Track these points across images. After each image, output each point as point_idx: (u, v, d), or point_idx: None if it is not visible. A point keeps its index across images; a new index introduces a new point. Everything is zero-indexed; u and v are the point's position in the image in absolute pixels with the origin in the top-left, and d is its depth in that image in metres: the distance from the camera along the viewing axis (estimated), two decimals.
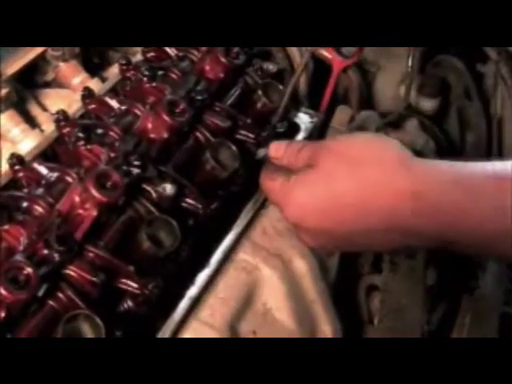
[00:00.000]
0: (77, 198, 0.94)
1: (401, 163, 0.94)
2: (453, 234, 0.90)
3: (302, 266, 1.14)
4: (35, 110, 1.32)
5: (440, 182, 0.90)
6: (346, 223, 0.98)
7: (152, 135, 1.05)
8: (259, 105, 1.19)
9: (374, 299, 1.38)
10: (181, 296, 1.01)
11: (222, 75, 1.17)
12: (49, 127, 1.26)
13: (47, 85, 1.42)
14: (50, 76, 1.40)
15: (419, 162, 0.95)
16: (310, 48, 1.30)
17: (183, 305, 1.00)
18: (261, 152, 1.14)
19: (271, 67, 1.28)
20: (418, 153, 1.33)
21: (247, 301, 1.09)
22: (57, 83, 1.40)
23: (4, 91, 1.20)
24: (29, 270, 0.83)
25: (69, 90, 1.36)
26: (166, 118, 1.04)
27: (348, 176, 0.96)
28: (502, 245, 0.88)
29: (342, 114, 1.39)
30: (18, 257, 0.86)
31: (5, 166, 1.11)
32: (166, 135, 1.05)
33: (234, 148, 1.08)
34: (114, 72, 1.41)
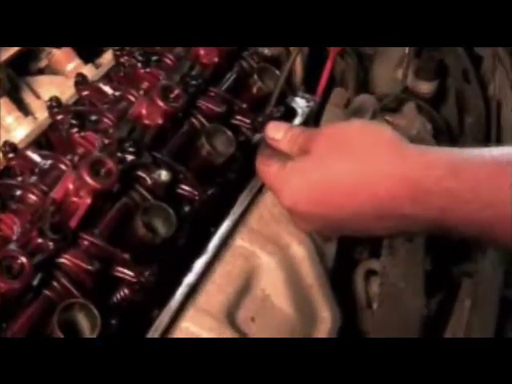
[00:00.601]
0: (71, 186, 0.92)
1: (395, 149, 0.94)
2: (449, 221, 0.90)
3: (299, 251, 1.14)
4: (28, 98, 1.31)
5: (436, 168, 0.90)
6: (341, 209, 0.97)
7: (146, 121, 1.04)
8: (255, 89, 1.18)
9: (372, 284, 1.38)
10: (178, 283, 1.00)
11: (216, 60, 1.15)
12: (42, 115, 1.25)
13: (40, 71, 1.40)
14: (43, 63, 1.38)
15: (414, 149, 0.94)
16: None
17: (180, 292, 0.99)
18: (257, 136, 1.14)
19: (266, 51, 1.26)
20: (415, 138, 1.33)
21: (245, 287, 1.08)
22: (50, 70, 1.38)
23: None
24: (23, 259, 0.82)
25: (62, 76, 1.35)
26: (160, 103, 1.03)
27: (342, 162, 0.96)
28: (499, 231, 0.87)
29: (338, 96, 1.38)
30: (12, 246, 0.85)
31: None
32: (160, 121, 1.04)
33: (229, 133, 1.07)
34: (107, 58, 1.40)
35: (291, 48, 1.35)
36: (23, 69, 1.37)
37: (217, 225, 1.09)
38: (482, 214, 0.86)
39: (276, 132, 1.07)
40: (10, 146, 1.03)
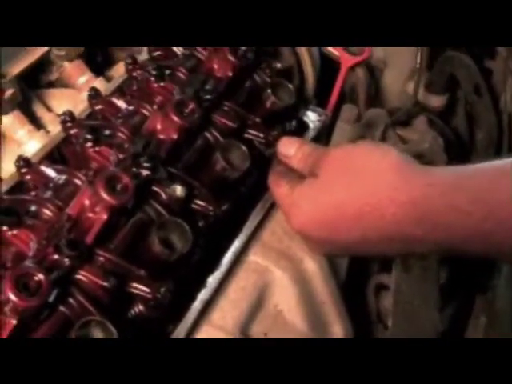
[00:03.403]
0: (87, 202, 0.92)
1: (400, 172, 0.94)
2: (455, 238, 0.90)
3: (312, 266, 1.13)
4: (40, 111, 1.30)
5: (439, 185, 0.91)
6: (348, 233, 0.99)
7: (161, 136, 1.03)
8: (268, 104, 1.17)
9: (383, 299, 1.37)
10: (192, 299, 1.00)
11: (230, 74, 1.15)
12: (54, 128, 1.25)
13: (51, 85, 1.40)
14: (53, 76, 1.38)
15: (419, 169, 0.95)
16: None
17: (194, 308, 0.99)
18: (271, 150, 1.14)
19: (279, 65, 1.26)
20: (427, 152, 1.33)
21: (258, 303, 1.08)
22: (61, 83, 1.38)
23: (9, 92, 1.18)
24: (40, 276, 0.81)
25: (73, 89, 1.35)
26: (175, 118, 1.02)
27: (348, 187, 0.98)
28: (502, 239, 0.87)
29: (348, 111, 1.38)
30: (29, 262, 0.84)
31: (10, 168, 1.10)
32: (175, 136, 1.03)
33: (244, 148, 1.06)
34: (118, 71, 1.40)
35: (303, 61, 1.35)
36: (34, 82, 1.37)
37: (230, 239, 1.08)
38: (485, 225, 0.86)
39: (288, 148, 1.10)
40: (24, 161, 1.03)
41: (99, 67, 1.47)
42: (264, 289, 1.09)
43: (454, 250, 0.93)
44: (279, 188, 1.08)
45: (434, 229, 0.90)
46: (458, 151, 1.52)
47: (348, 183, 0.98)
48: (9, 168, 1.17)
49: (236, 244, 1.08)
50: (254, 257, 1.10)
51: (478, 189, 0.87)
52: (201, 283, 1.02)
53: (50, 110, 1.32)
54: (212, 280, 1.03)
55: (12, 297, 0.78)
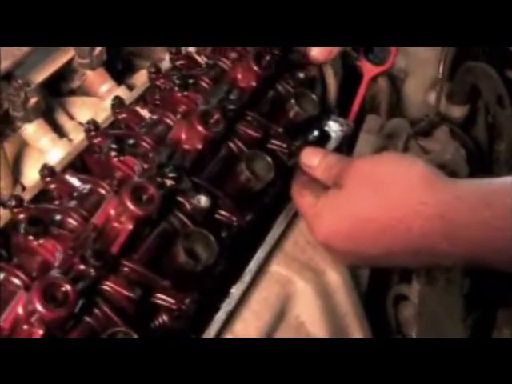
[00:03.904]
0: (112, 212, 0.92)
1: (427, 184, 0.93)
2: (484, 253, 0.89)
3: (335, 278, 1.13)
4: (62, 119, 1.31)
5: (468, 200, 0.89)
6: (373, 246, 0.98)
7: (186, 146, 1.03)
8: (292, 114, 1.16)
9: (402, 309, 1.36)
10: (215, 309, 1.00)
11: (254, 84, 1.14)
12: (77, 136, 1.25)
13: (72, 92, 1.40)
14: (75, 84, 1.38)
15: (446, 182, 0.94)
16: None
17: (218, 318, 0.99)
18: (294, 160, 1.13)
19: (302, 75, 1.25)
20: (449, 163, 1.32)
21: (281, 314, 1.07)
22: (82, 91, 1.38)
23: (33, 100, 1.18)
24: (67, 286, 0.81)
25: (95, 98, 1.35)
26: (200, 128, 1.02)
27: (373, 199, 0.96)
28: None
29: (371, 122, 1.37)
30: (55, 273, 0.84)
31: (33, 176, 1.10)
32: (200, 146, 1.03)
33: (268, 159, 1.06)
34: (140, 79, 1.40)
35: (326, 71, 1.34)
36: (56, 89, 1.37)
37: (253, 249, 1.08)
38: None
39: (312, 159, 1.08)
40: (49, 170, 1.03)
41: (118, 75, 1.47)
42: (286, 300, 1.08)
43: (480, 264, 0.93)
44: (302, 198, 1.07)
45: (461, 243, 0.89)
46: (480, 162, 1.51)
47: (373, 195, 0.97)
48: (32, 175, 1.17)
49: (259, 254, 1.07)
50: (277, 267, 1.09)
51: (507, 203, 0.86)
52: (224, 293, 1.01)
53: (72, 118, 1.32)
54: (235, 290, 1.02)
55: (39, 308, 0.78)
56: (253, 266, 1.06)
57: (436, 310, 1.17)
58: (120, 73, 1.51)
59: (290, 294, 1.09)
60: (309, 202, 1.05)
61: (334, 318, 1.12)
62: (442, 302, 1.18)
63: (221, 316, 0.99)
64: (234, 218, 1.03)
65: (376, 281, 1.29)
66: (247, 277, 1.04)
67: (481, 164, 1.52)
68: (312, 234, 1.06)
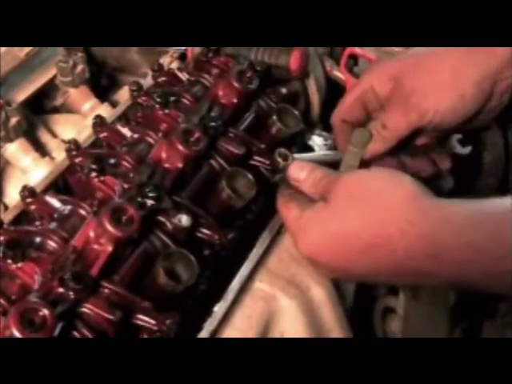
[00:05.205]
0: (92, 233, 0.91)
1: (414, 204, 0.92)
2: (468, 275, 0.88)
3: (320, 294, 1.12)
4: (45, 137, 1.31)
5: (454, 222, 0.88)
6: (358, 265, 0.97)
7: (166, 165, 1.03)
8: (274, 130, 1.16)
9: (389, 322, 1.36)
10: (198, 328, 0.99)
11: (235, 100, 1.14)
12: (59, 154, 1.25)
13: (56, 110, 1.40)
14: (58, 101, 1.38)
15: (433, 202, 0.93)
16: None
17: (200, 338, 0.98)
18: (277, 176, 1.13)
19: (284, 90, 1.25)
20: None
21: (265, 331, 1.06)
22: (66, 108, 1.38)
23: (14, 120, 1.18)
24: (45, 311, 0.80)
25: (78, 115, 1.35)
26: (180, 147, 1.01)
27: (360, 216, 0.95)
28: None
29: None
30: (34, 297, 0.83)
31: (15, 196, 1.09)
32: (180, 165, 1.03)
33: (250, 176, 1.06)
34: (124, 95, 1.40)
35: (309, 86, 1.34)
36: (38, 107, 1.37)
37: (236, 267, 1.07)
38: (505, 263, 0.84)
39: (299, 172, 1.07)
40: (29, 191, 1.02)
41: (103, 91, 1.47)
42: (271, 317, 1.07)
43: (467, 287, 0.92)
44: (288, 211, 1.05)
45: (447, 265, 0.88)
46: (465, 173, 1.50)
47: (360, 212, 0.96)
48: (14, 195, 1.17)
49: (242, 272, 1.06)
50: (261, 284, 1.08)
51: (498, 226, 0.85)
52: (206, 312, 1.01)
53: (54, 135, 1.32)
54: (218, 309, 1.01)
55: (16, 333, 0.78)
56: (236, 283, 1.05)
57: (421, 325, 1.16)
58: (105, 89, 1.51)
59: (275, 311, 1.08)
60: (294, 214, 1.03)
61: (319, 335, 1.11)
62: (426, 317, 1.18)
63: (203, 335, 0.98)
64: (216, 236, 1.03)
65: (363, 294, 1.29)
66: (230, 295, 1.03)
67: (467, 176, 1.52)
68: (296, 247, 1.04)
